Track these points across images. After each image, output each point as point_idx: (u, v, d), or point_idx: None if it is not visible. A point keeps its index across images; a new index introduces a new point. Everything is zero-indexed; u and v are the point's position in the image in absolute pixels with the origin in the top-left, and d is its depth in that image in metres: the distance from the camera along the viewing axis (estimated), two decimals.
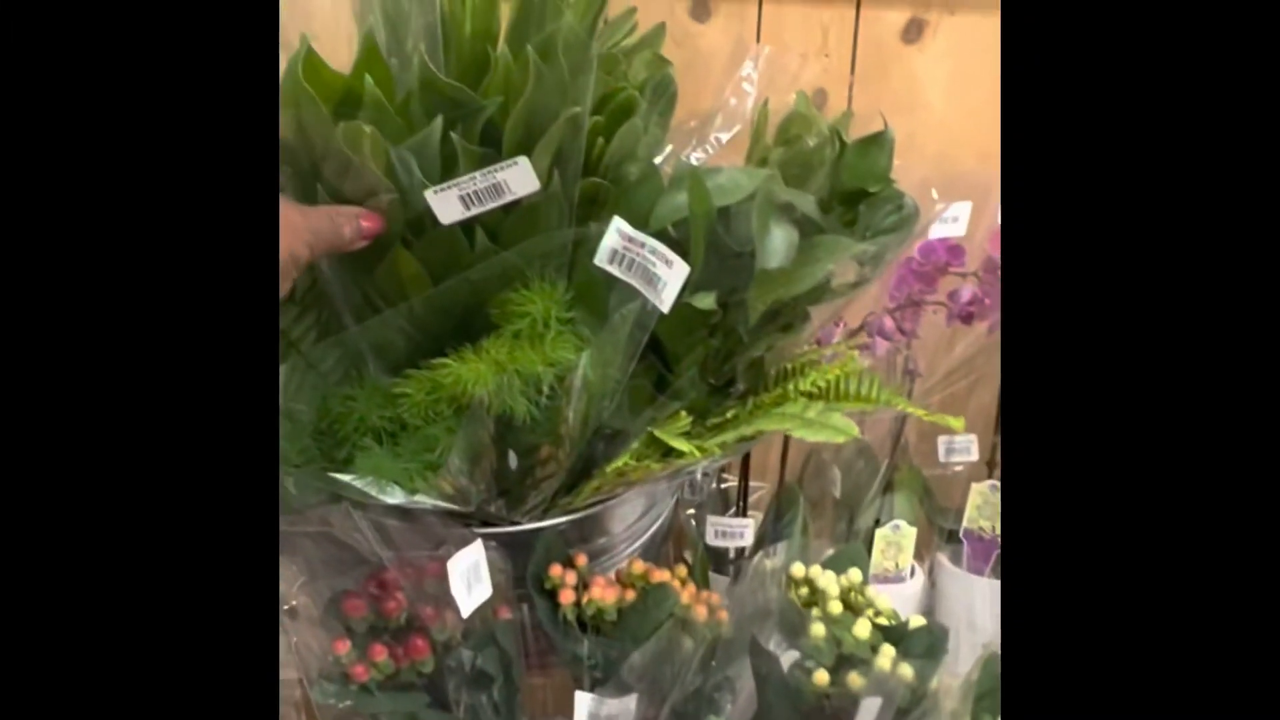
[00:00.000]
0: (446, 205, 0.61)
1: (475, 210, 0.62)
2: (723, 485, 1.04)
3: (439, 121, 0.60)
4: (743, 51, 0.98)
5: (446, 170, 0.61)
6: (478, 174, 0.60)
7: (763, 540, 0.98)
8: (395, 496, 0.62)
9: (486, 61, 0.63)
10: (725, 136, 0.77)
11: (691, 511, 1.00)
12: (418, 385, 0.63)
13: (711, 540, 0.95)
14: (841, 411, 0.70)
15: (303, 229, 0.58)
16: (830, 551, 0.84)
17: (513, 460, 0.69)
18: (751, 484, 1.01)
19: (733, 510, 0.99)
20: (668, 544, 0.96)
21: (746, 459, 0.97)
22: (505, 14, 0.67)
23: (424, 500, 0.64)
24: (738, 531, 0.94)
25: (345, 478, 0.61)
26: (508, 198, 0.62)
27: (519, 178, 0.61)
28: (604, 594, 0.74)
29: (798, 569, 0.78)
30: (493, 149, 0.63)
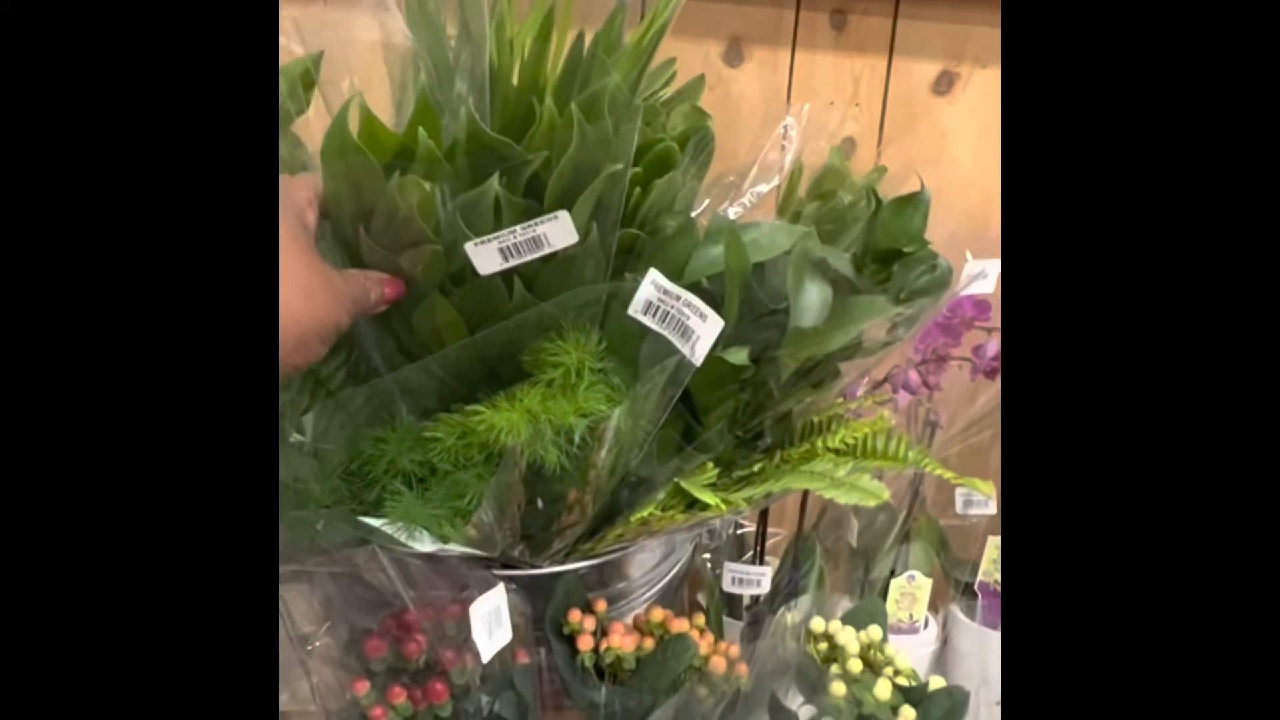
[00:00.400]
0: (486, 257, 0.61)
1: (514, 262, 0.62)
2: (739, 531, 1.04)
3: (494, 181, 0.60)
4: (781, 105, 0.99)
5: (492, 220, 0.62)
6: (518, 228, 0.60)
7: (779, 588, 0.98)
8: (424, 543, 0.62)
9: (532, 114, 0.63)
10: (765, 189, 0.77)
11: (708, 556, 1.00)
12: (449, 430, 0.64)
13: (728, 586, 0.95)
14: (870, 471, 0.71)
15: (345, 295, 0.59)
16: (847, 604, 0.84)
17: (540, 506, 0.69)
18: (769, 529, 1.01)
19: (749, 556, 0.99)
20: (684, 588, 0.96)
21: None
22: (553, 67, 0.68)
23: (451, 548, 0.64)
24: (755, 579, 0.94)
25: (375, 522, 0.61)
26: (546, 250, 0.62)
27: (559, 232, 0.62)
28: (623, 642, 0.74)
29: (817, 624, 0.78)
30: (535, 200, 0.63)
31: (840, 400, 0.83)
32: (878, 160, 0.82)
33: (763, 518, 0.97)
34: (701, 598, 0.99)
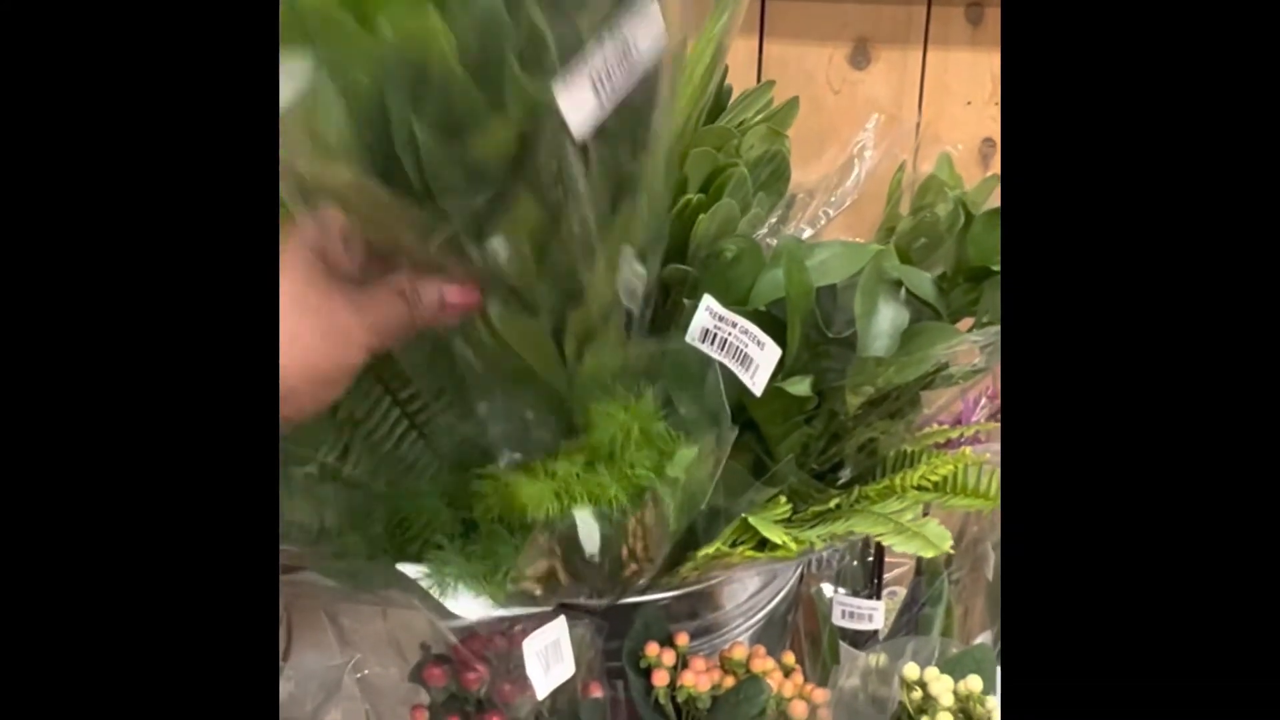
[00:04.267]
0: (577, 101, 0.47)
1: (606, 99, 0.48)
2: (868, 559, 0.98)
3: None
4: (913, 108, 0.93)
5: None
6: (604, 37, 0.47)
7: (901, 619, 0.92)
8: (464, 602, 0.60)
9: None
10: (835, 204, 0.72)
11: (827, 585, 0.95)
12: (493, 487, 0.62)
13: (839, 620, 0.90)
14: (954, 508, 0.65)
15: (357, 330, 0.51)
16: (955, 650, 0.78)
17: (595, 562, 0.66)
18: (896, 559, 0.95)
19: (868, 590, 0.93)
20: (794, 617, 0.92)
21: None
22: None
23: (494, 611, 0.62)
24: (866, 614, 0.88)
25: (413, 573, 0.60)
26: (639, 68, 0.49)
27: (646, 31, 0.48)
28: (697, 680, 0.71)
29: (911, 670, 0.73)
30: None
31: (944, 426, 0.77)
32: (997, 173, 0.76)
33: (880, 546, 0.92)
34: (817, 628, 0.94)
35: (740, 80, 0.80)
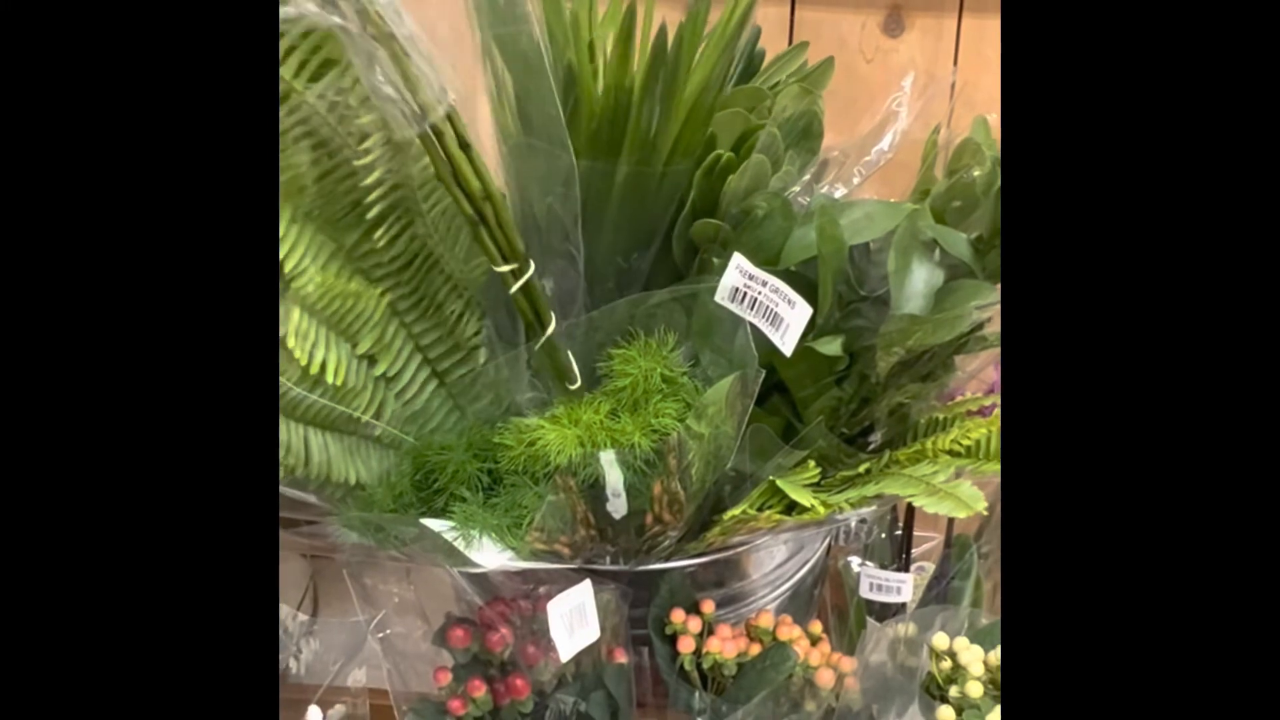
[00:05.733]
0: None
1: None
2: (895, 533, 0.97)
3: None
4: (947, 74, 0.91)
5: None
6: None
7: (929, 594, 0.91)
8: (489, 554, 0.60)
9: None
10: (878, 164, 0.71)
11: (855, 559, 0.94)
12: (518, 436, 0.62)
13: (867, 593, 0.88)
14: (986, 473, 0.64)
15: None
16: (986, 621, 0.77)
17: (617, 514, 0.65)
18: (925, 534, 0.94)
19: (896, 563, 0.92)
20: (821, 591, 0.91)
21: (911, 506, 0.89)
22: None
23: (516, 563, 0.62)
24: (895, 586, 0.87)
25: (437, 526, 0.60)
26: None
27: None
28: (723, 647, 0.71)
29: (940, 640, 0.71)
30: None
31: (979, 395, 0.76)
32: None
33: (909, 519, 0.90)
34: (844, 601, 0.93)
35: (772, 47, 0.79)
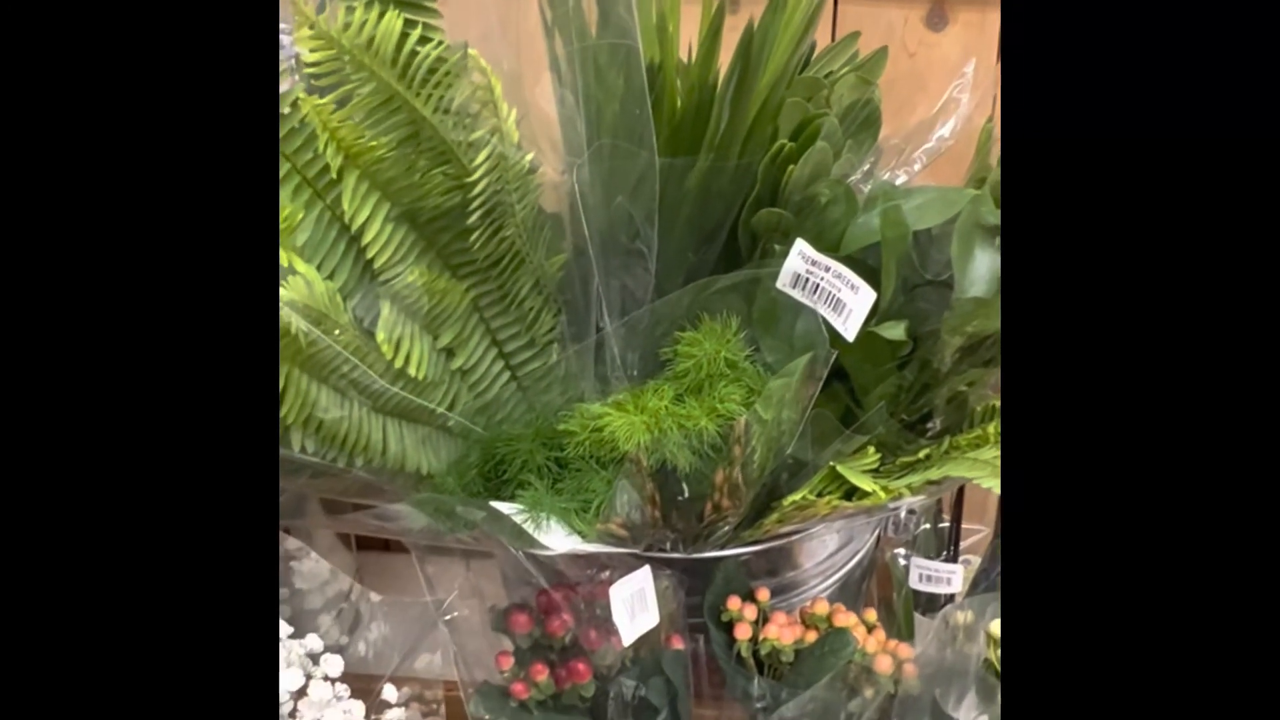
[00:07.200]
0: None
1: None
2: (940, 525, 0.97)
3: None
4: (989, 68, 0.91)
5: None
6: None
7: (976, 588, 0.91)
8: (556, 538, 0.61)
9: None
10: (930, 150, 0.71)
11: (902, 550, 0.94)
12: (583, 423, 0.62)
13: (916, 584, 0.89)
14: None
15: None
16: None
17: (682, 501, 0.66)
18: (972, 526, 0.94)
19: (945, 554, 0.92)
20: (869, 583, 0.91)
21: (960, 498, 0.90)
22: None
23: (583, 546, 0.62)
24: (944, 577, 0.87)
25: (505, 509, 0.60)
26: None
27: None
28: (781, 633, 0.71)
29: (996, 627, 0.71)
30: None
31: None
32: None
33: (957, 511, 0.91)
34: (893, 596, 0.93)
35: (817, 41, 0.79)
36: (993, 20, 0.97)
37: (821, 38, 0.90)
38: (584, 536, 0.63)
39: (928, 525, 0.94)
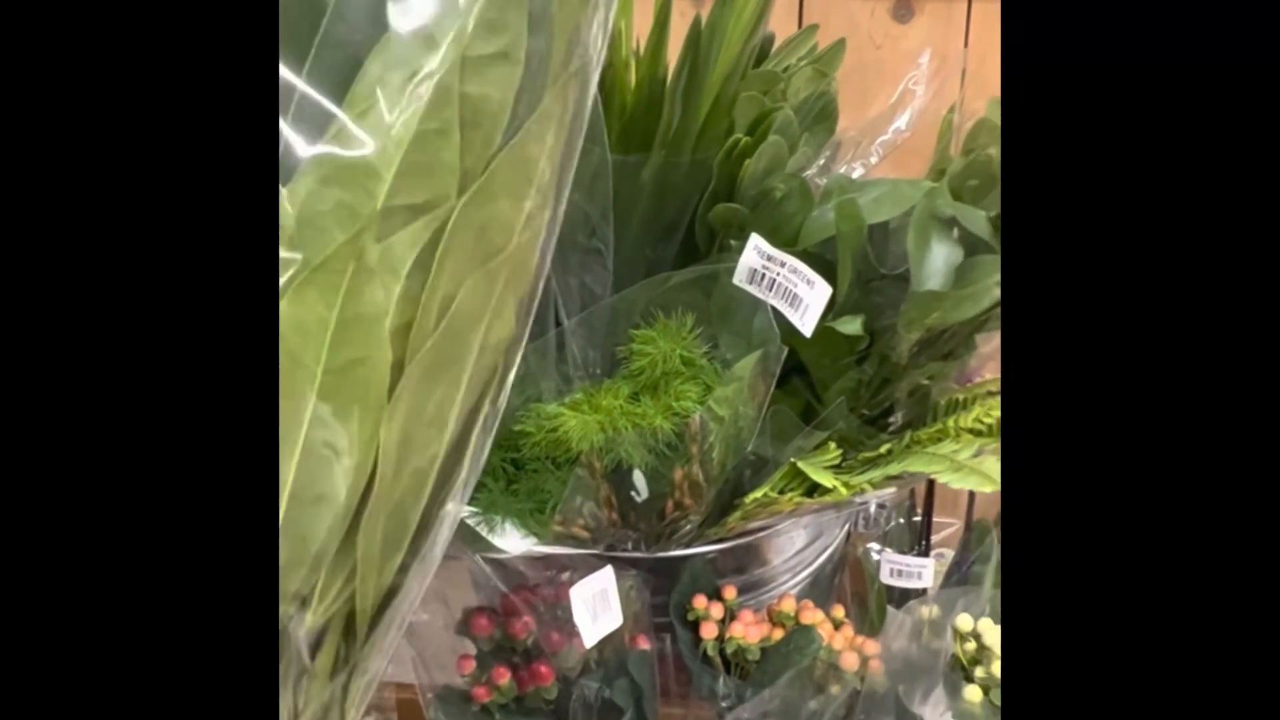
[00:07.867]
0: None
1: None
2: (914, 519, 0.97)
3: None
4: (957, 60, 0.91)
5: None
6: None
7: (949, 581, 0.91)
8: (512, 540, 0.60)
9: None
10: (895, 143, 0.71)
11: (875, 545, 0.94)
12: (539, 423, 0.62)
13: (887, 579, 0.88)
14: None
15: None
16: None
17: (640, 501, 0.65)
18: (944, 519, 0.94)
19: (916, 548, 0.92)
20: (841, 578, 0.91)
21: (930, 492, 0.89)
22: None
23: (540, 547, 0.62)
24: (915, 571, 0.87)
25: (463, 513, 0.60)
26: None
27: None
28: (746, 632, 0.70)
29: (964, 621, 0.71)
30: None
31: (992, 376, 0.76)
32: None
33: (928, 505, 0.90)
34: (864, 589, 0.93)
35: (780, 32, 0.79)
36: (959, 11, 0.97)
37: (785, 30, 0.89)
38: (540, 538, 0.62)
39: (900, 520, 0.94)
